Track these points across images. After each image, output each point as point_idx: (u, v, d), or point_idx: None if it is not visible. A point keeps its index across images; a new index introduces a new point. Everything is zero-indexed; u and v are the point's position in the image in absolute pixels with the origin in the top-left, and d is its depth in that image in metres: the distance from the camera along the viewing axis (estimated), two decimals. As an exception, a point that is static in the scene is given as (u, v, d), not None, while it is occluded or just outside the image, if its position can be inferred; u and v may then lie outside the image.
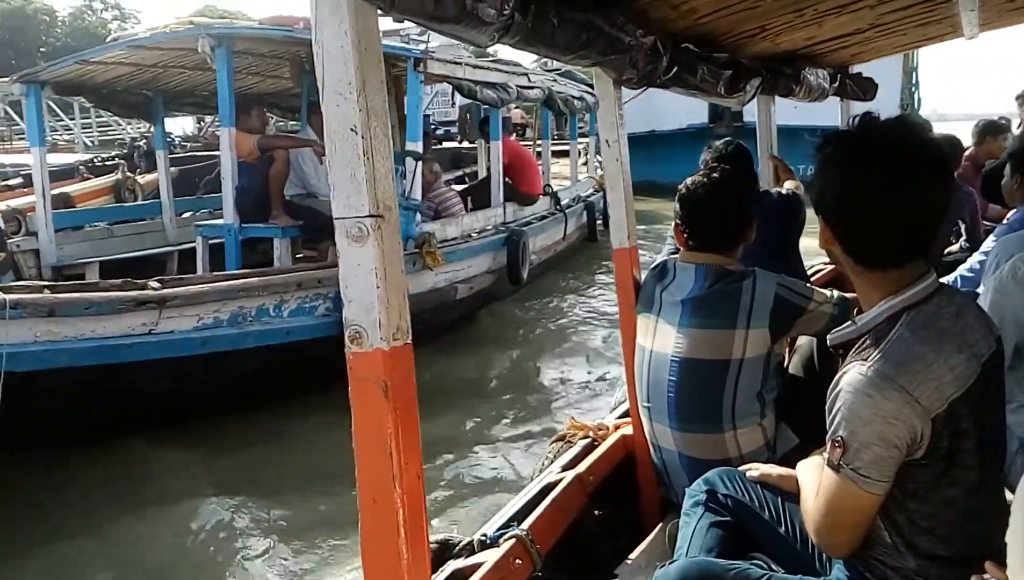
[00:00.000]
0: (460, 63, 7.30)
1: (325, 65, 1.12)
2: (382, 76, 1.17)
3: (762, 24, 2.86)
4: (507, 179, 8.94)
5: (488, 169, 9.23)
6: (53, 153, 16.28)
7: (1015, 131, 6.03)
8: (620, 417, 2.81)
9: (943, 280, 3.21)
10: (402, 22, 1.29)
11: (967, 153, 5.62)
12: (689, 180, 2.35)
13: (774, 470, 1.90)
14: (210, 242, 6.86)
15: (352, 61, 1.11)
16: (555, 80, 9.90)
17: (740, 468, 1.96)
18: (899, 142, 1.44)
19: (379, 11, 1.16)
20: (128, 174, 11.83)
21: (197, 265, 6.86)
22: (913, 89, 13.53)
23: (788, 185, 3.51)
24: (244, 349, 5.30)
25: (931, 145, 1.47)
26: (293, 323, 5.58)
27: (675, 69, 2.38)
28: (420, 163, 6.61)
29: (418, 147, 6.66)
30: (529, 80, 8.90)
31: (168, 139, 11.17)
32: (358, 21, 1.11)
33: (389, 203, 1.17)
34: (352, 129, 1.12)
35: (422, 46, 10.02)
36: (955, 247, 4.71)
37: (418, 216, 6.63)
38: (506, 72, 8.23)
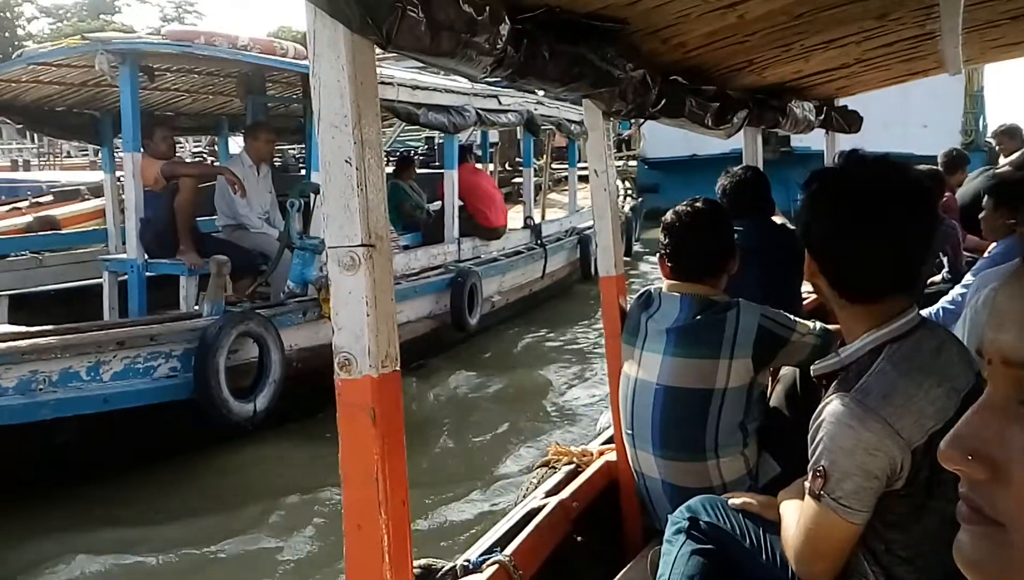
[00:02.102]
0: (391, 83, 6.37)
1: (322, 98, 1.15)
2: (377, 109, 1.20)
3: (750, 58, 2.92)
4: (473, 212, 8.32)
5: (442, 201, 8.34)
6: (85, 171, 15.92)
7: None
8: (604, 443, 2.83)
9: (925, 311, 3.28)
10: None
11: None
12: (672, 211, 2.39)
13: (756, 499, 1.92)
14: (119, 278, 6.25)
15: (348, 95, 1.14)
16: (540, 102, 9.21)
17: (723, 496, 1.98)
18: (882, 180, 1.49)
19: (376, 46, 1.19)
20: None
21: (104, 305, 6.32)
22: (977, 113, 13.10)
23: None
24: (41, 421, 4.50)
25: (914, 182, 1.52)
26: (117, 388, 4.80)
27: (664, 101, 2.43)
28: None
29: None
30: (500, 102, 8.23)
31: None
32: (355, 56, 1.14)
33: (381, 233, 1.20)
34: (347, 161, 1.15)
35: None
36: (937, 278, 4.78)
37: (320, 258, 5.80)
38: (464, 93, 7.51)
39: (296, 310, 5.80)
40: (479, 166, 10.60)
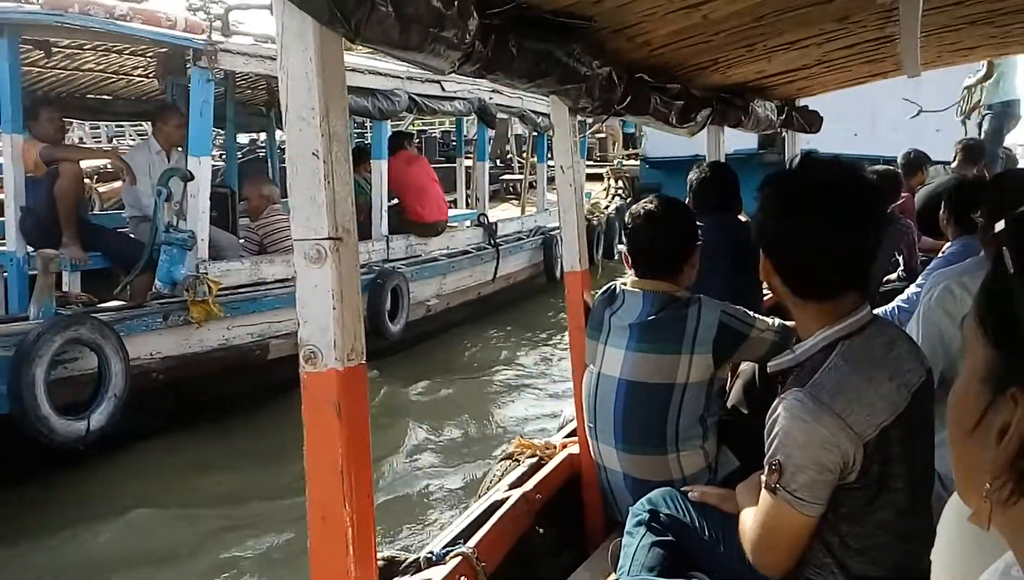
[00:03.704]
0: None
1: (289, 91, 1.15)
2: (345, 102, 1.20)
3: (714, 57, 2.96)
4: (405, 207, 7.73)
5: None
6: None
7: (949, 169, 6.30)
8: (567, 436, 2.86)
9: (881, 310, 3.35)
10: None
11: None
12: (633, 209, 2.42)
13: (715, 491, 1.96)
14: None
15: (316, 88, 1.14)
16: (497, 91, 8.37)
17: (682, 489, 2.02)
18: (832, 181, 1.53)
19: (345, 39, 1.19)
20: (85, 181, 11.03)
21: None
22: None
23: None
24: None
25: (864, 184, 1.57)
26: None
27: (629, 99, 2.46)
28: (195, 183, 5.34)
29: (200, 165, 5.38)
30: (443, 88, 7.56)
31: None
32: (323, 49, 1.14)
33: (348, 226, 1.20)
34: (314, 154, 1.15)
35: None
36: (893, 277, 4.89)
37: (193, 254, 5.34)
38: (395, 76, 6.85)
39: (156, 314, 5.20)
40: (475, 159, 9.92)
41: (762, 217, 1.60)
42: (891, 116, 10.10)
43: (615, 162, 16.97)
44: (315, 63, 1.13)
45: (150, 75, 7.04)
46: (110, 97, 7.59)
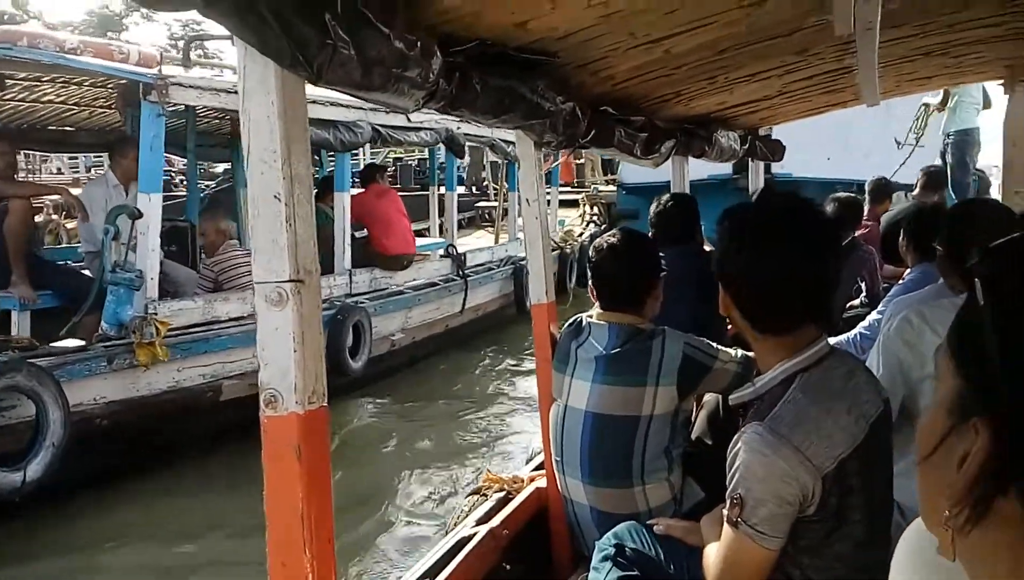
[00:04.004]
0: (232, 91, 5.38)
1: (251, 134, 1.14)
2: (307, 144, 1.20)
3: (677, 90, 3.00)
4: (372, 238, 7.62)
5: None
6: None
7: (911, 196, 6.43)
8: (535, 469, 2.85)
9: (844, 336, 3.39)
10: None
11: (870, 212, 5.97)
12: (596, 242, 2.44)
13: (679, 524, 1.96)
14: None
15: (278, 131, 1.13)
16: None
17: (648, 522, 2.02)
18: (788, 216, 1.56)
19: (307, 81, 1.19)
20: (52, 217, 10.37)
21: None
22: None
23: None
24: None
25: (821, 218, 1.60)
26: None
27: (594, 132, 2.48)
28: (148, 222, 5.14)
29: (150, 202, 5.18)
30: (408, 119, 7.43)
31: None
32: (285, 92, 1.14)
33: (310, 268, 1.19)
34: (276, 196, 1.15)
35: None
36: (856, 302, 4.96)
37: (141, 294, 5.15)
38: (358, 107, 6.70)
39: (100, 357, 4.98)
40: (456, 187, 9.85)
41: (721, 250, 1.62)
42: (863, 142, 10.28)
43: (591, 188, 16.97)
44: (277, 106, 1.13)
45: (112, 106, 6.86)
46: (73, 128, 7.45)
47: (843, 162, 10.65)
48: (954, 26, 2.92)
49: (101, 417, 5.05)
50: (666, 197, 3.46)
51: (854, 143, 10.58)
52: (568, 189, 17.13)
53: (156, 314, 5.24)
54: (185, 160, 8.38)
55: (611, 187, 16.08)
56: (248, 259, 5.55)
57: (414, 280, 8.04)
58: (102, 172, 7.43)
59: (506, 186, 11.58)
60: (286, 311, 1.16)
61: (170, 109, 5.39)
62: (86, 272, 5.91)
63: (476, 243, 11.13)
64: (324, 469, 1.23)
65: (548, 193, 12.21)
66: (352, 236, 7.58)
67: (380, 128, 7.15)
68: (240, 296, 5.82)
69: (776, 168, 12.17)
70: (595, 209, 15.11)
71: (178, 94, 5.30)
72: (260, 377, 1.19)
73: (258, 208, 1.16)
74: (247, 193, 1.17)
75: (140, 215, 5.15)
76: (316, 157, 9.10)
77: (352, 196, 7.45)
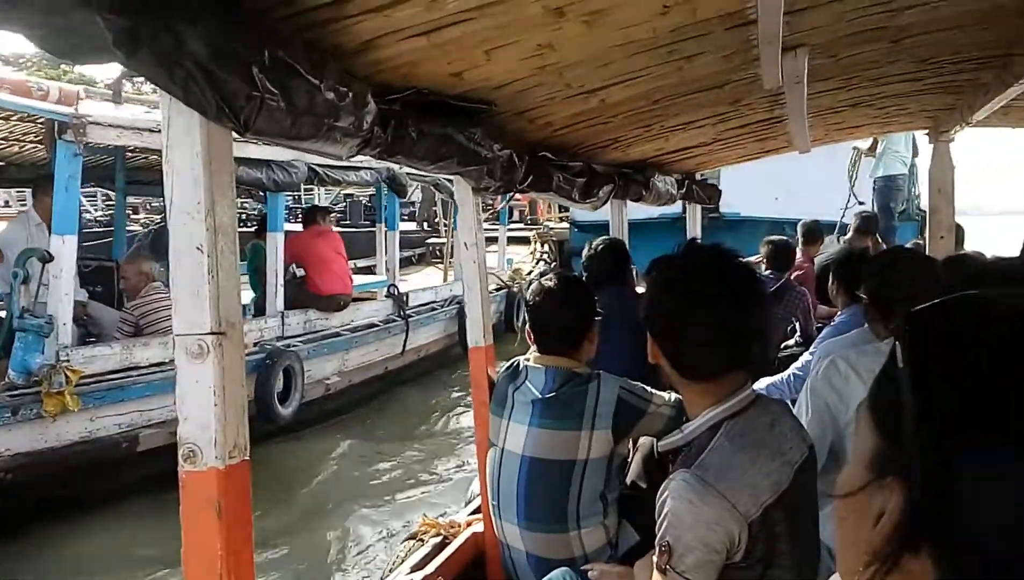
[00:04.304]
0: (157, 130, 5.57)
1: (175, 185, 1.13)
2: (233, 195, 1.19)
3: (614, 136, 3.07)
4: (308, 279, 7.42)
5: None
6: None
7: (843, 240, 6.64)
8: (473, 513, 2.83)
9: (779, 376, 3.46)
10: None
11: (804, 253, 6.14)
12: (534, 286, 2.46)
13: (614, 570, 1.96)
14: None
15: (202, 182, 1.12)
16: None
17: (583, 568, 2.01)
18: (711, 268, 1.59)
19: (234, 132, 1.19)
20: None
21: None
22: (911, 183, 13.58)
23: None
24: None
25: (744, 271, 1.64)
26: None
27: (531, 178, 2.52)
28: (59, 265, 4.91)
29: (64, 245, 4.97)
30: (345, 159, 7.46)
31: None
32: (211, 143, 1.13)
33: (233, 320, 1.17)
34: (198, 248, 1.13)
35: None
36: (791, 342, 5.08)
37: (52, 341, 4.92)
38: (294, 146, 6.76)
39: (4, 407, 4.74)
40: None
41: (647, 302, 1.65)
42: (810, 182, 10.61)
43: (542, 226, 17.04)
44: (202, 157, 1.12)
45: (43, 142, 6.76)
46: (3, 163, 7.18)
47: (789, 202, 10.98)
48: (878, 80, 3.06)
49: (4, 471, 4.77)
50: (598, 241, 3.51)
51: (800, 184, 10.91)
52: (520, 226, 17.21)
53: (68, 361, 4.99)
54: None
55: (563, 225, 16.22)
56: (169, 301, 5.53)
57: (352, 322, 7.84)
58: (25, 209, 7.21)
59: (450, 223, 11.67)
60: (207, 364, 1.14)
61: (99, 146, 5.22)
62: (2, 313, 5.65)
63: (425, 281, 11.05)
64: (245, 525, 1.20)
65: (497, 231, 12.31)
66: (294, 275, 7.46)
67: (317, 168, 7.07)
68: (162, 341, 5.58)
69: (724, 207, 12.53)
70: (545, 246, 15.18)
71: (96, 133, 5.12)
72: (179, 431, 1.16)
73: (180, 259, 1.14)
74: (170, 247, 1.16)
75: (51, 258, 4.91)
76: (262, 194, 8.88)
77: (289, 236, 7.33)
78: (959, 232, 5.31)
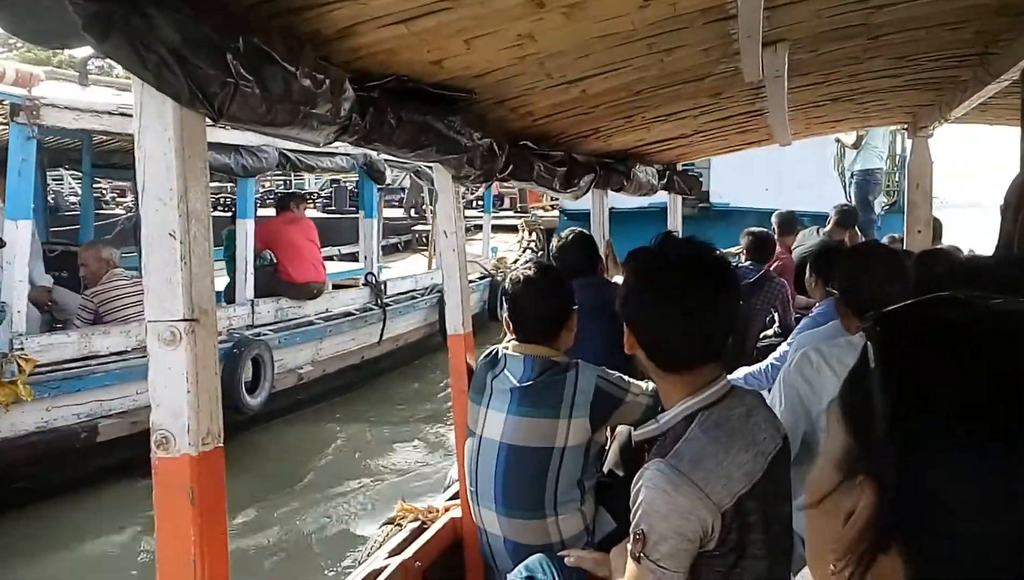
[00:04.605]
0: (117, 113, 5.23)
1: (147, 171, 1.13)
2: (206, 181, 1.19)
3: (595, 127, 3.07)
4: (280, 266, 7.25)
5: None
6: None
7: (822, 232, 6.68)
8: (451, 499, 2.84)
9: (758, 366, 3.49)
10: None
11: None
12: (512, 275, 2.47)
13: (590, 556, 1.98)
14: None
15: (175, 168, 1.12)
16: None
17: (559, 554, 2.03)
18: (687, 261, 1.61)
19: (207, 118, 1.18)
20: None
21: None
22: (901, 175, 13.51)
23: (617, 278, 3.71)
24: None
25: (719, 263, 1.65)
26: None
27: (512, 167, 2.52)
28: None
29: (18, 229, 4.86)
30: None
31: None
32: (183, 129, 1.13)
33: (206, 306, 1.17)
34: (171, 234, 1.13)
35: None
36: (770, 332, 5.12)
37: (5, 328, 4.79)
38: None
39: None
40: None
41: (624, 293, 1.66)
42: (799, 174, 10.67)
43: (530, 214, 16.91)
44: (174, 143, 1.12)
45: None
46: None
47: (779, 192, 11.05)
48: (857, 76, 3.08)
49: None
50: (567, 232, 3.52)
51: (789, 175, 10.97)
52: (511, 213, 17.09)
53: (23, 350, 4.86)
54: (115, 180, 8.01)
55: (553, 213, 16.16)
56: (135, 288, 5.45)
57: (327, 310, 7.70)
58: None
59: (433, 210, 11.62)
60: (179, 351, 1.14)
61: (55, 129, 5.09)
62: None
63: (410, 268, 10.91)
64: (219, 512, 1.21)
65: (481, 219, 12.25)
66: (271, 262, 7.34)
67: (289, 153, 6.97)
68: (123, 329, 5.45)
69: (714, 198, 12.57)
70: (533, 235, 15.08)
71: (52, 116, 4.99)
72: (152, 418, 1.16)
73: (152, 245, 1.13)
74: (141, 234, 1.15)
75: (3, 244, 4.80)
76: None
77: (260, 223, 7.20)
78: (937, 226, 5.38)
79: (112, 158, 7.56)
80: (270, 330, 6.83)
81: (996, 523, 0.51)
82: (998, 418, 0.52)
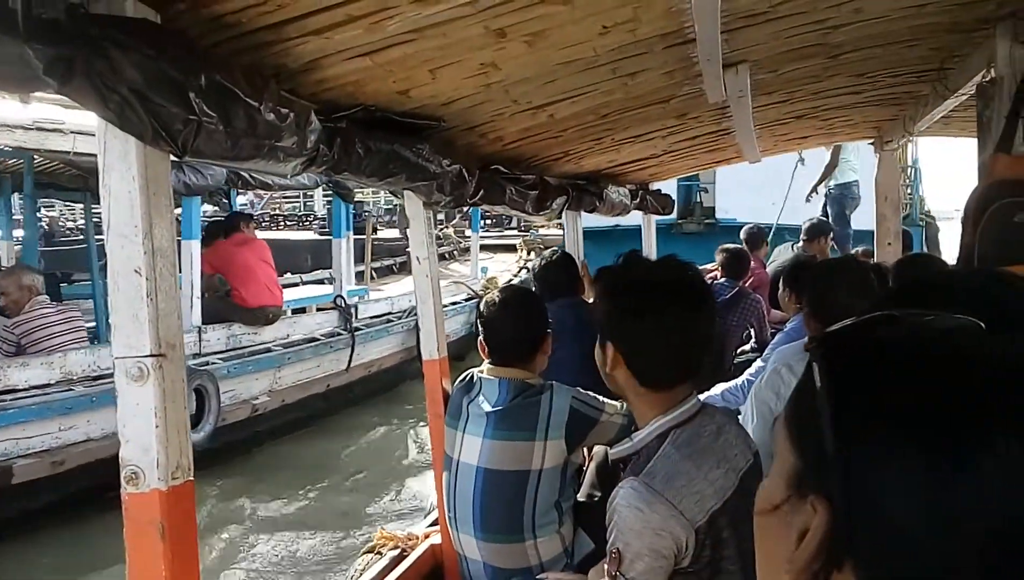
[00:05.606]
0: (63, 131, 5.08)
1: (112, 209, 1.13)
2: (171, 216, 1.20)
3: (566, 149, 3.11)
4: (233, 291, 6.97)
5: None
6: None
7: (797, 247, 6.76)
8: (431, 525, 2.84)
9: (735, 382, 3.52)
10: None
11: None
12: (487, 298, 2.49)
13: (569, 578, 1.99)
14: None
15: (139, 206, 1.13)
16: None
17: (539, 577, 2.04)
18: (658, 279, 1.63)
19: (172, 155, 1.19)
20: None
21: None
22: (914, 186, 13.02)
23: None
24: None
25: (691, 282, 1.67)
26: None
27: (483, 191, 2.54)
28: None
29: None
30: None
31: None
32: (147, 168, 1.14)
33: (173, 341, 1.18)
34: (136, 270, 1.13)
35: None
36: (746, 348, 5.16)
37: None
38: None
39: None
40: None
41: (599, 312, 1.68)
42: (805, 188, 10.77)
43: (529, 233, 16.64)
44: (138, 181, 1.13)
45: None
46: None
47: (786, 208, 11.14)
48: (820, 93, 3.14)
49: None
50: (549, 252, 3.55)
51: (795, 189, 11.07)
52: (511, 232, 16.88)
53: None
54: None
55: (557, 230, 16.07)
56: (61, 317, 5.29)
57: (287, 336, 7.40)
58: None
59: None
60: (147, 386, 1.14)
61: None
62: None
63: (402, 289, 10.67)
64: (191, 546, 1.21)
65: (469, 238, 12.11)
66: (227, 289, 7.06)
67: (240, 170, 6.63)
68: (45, 360, 5.16)
69: (720, 213, 12.59)
70: (531, 254, 14.81)
71: None
72: (121, 453, 1.16)
73: (117, 282, 1.14)
74: (108, 270, 1.15)
75: None
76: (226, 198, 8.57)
77: (210, 246, 6.96)
78: (907, 238, 5.45)
79: (60, 179, 7.18)
80: (219, 358, 6.53)
81: (942, 539, 0.52)
82: (927, 435, 0.53)
